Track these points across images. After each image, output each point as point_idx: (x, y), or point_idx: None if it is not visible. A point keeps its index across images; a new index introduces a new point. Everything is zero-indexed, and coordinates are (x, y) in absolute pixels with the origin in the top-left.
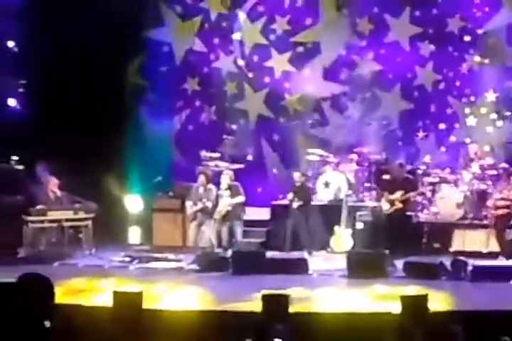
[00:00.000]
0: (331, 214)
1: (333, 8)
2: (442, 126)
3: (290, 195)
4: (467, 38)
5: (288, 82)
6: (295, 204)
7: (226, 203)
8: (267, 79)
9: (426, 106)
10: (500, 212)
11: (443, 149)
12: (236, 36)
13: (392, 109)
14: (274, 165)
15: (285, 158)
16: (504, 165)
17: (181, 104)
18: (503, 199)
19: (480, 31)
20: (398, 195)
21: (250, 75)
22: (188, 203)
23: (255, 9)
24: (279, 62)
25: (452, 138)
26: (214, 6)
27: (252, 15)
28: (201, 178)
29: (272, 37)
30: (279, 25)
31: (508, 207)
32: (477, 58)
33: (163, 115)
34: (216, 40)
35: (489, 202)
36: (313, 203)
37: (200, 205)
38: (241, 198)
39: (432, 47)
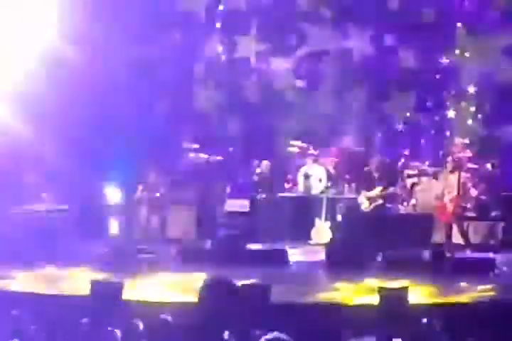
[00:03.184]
0: (310, 206)
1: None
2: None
3: (255, 185)
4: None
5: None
6: (259, 196)
7: None
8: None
9: (421, 80)
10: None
11: (423, 141)
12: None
13: (404, 108)
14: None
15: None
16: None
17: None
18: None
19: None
20: (378, 190)
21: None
22: (140, 186)
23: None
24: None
25: (432, 131)
26: None
27: (261, 35)
28: None
29: (263, 65)
30: (277, 64)
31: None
32: (457, 51)
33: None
34: (219, 24)
35: (447, 198)
36: (293, 195)
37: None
38: None
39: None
